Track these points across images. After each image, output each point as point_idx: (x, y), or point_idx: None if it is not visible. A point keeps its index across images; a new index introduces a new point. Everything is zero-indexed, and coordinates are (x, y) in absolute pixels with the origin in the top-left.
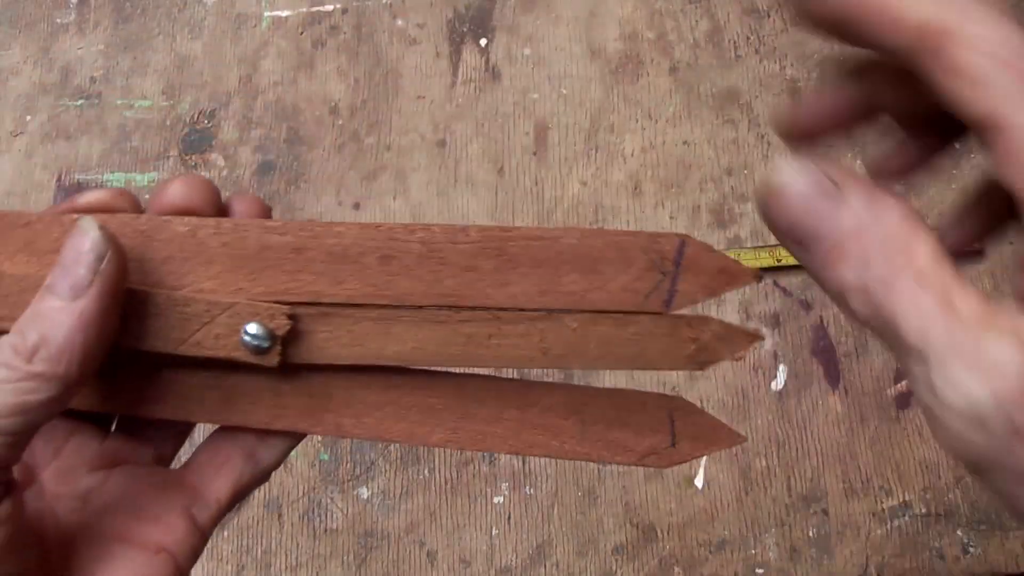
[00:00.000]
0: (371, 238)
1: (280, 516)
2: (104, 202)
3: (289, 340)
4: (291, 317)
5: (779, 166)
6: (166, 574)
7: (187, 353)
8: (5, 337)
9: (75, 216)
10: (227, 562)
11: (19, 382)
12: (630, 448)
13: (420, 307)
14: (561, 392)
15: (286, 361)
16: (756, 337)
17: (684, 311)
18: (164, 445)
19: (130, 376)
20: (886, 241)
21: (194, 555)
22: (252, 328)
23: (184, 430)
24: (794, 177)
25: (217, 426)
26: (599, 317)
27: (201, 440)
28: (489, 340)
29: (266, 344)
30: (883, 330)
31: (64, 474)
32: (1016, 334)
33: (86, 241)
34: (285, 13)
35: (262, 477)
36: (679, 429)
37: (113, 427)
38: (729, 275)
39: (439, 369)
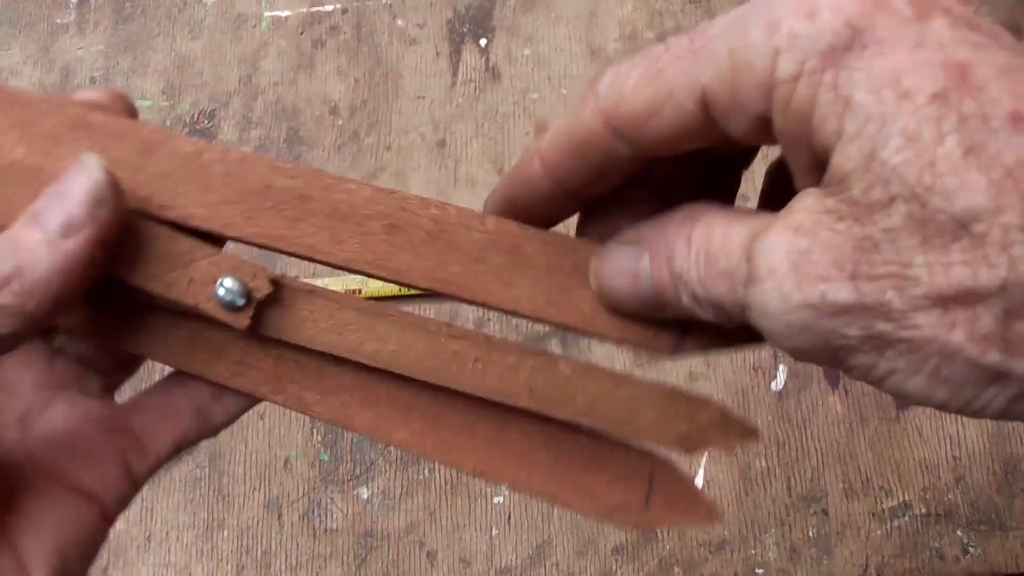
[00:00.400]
0: (381, 203)
1: (280, 516)
2: (101, 103)
3: (265, 306)
4: (274, 283)
5: (590, 269)
6: (90, 520)
7: (156, 291)
8: None
9: (77, 110)
10: (227, 562)
11: None
12: (599, 497)
13: (420, 290)
14: (542, 419)
15: (256, 327)
16: (754, 434)
17: (685, 389)
18: (114, 375)
19: (92, 294)
20: (683, 255)
21: (122, 505)
22: (229, 282)
23: (135, 362)
24: (602, 269)
25: (171, 370)
26: (594, 369)
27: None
28: (474, 364)
29: (240, 302)
30: (735, 319)
31: (6, 386)
32: (780, 230)
33: (88, 181)
34: (285, 13)
35: (209, 435)
36: (657, 489)
37: (57, 341)
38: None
39: None
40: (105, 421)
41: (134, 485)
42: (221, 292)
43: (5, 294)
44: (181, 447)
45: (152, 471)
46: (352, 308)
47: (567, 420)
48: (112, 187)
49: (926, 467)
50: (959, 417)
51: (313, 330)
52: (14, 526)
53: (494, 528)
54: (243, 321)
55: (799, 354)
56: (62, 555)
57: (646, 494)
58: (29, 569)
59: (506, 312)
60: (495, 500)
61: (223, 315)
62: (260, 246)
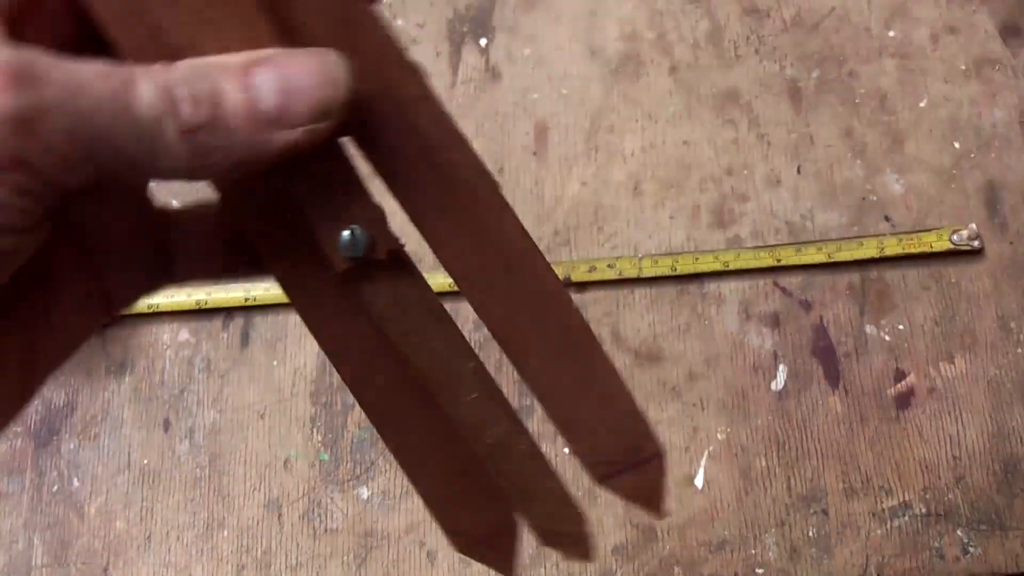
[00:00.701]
0: (518, 245)
1: (280, 516)
2: None
3: (371, 268)
4: (391, 253)
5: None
6: (95, 324)
7: (294, 198)
8: (174, 78)
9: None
10: (227, 562)
11: (156, 136)
12: (455, 518)
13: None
14: (470, 452)
15: (347, 281)
16: (590, 558)
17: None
18: None
19: None
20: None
21: (122, 312)
22: (360, 233)
23: None
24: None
25: (217, 200)
26: (539, 458)
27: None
28: (473, 398)
29: (355, 254)
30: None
31: None
32: None
33: (328, 89)
34: None
35: (220, 282)
36: (494, 536)
37: None
38: (645, 505)
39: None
40: (147, 222)
41: (144, 295)
42: (346, 235)
43: (185, 141)
44: (199, 282)
45: (163, 289)
46: (422, 301)
47: (487, 469)
48: (345, 106)
49: (926, 467)
50: (959, 417)
51: (381, 302)
52: (34, 321)
53: None
54: (341, 265)
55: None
56: (62, 358)
57: (484, 536)
58: (36, 371)
59: (527, 385)
60: None
61: (331, 251)
62: (397, 201)
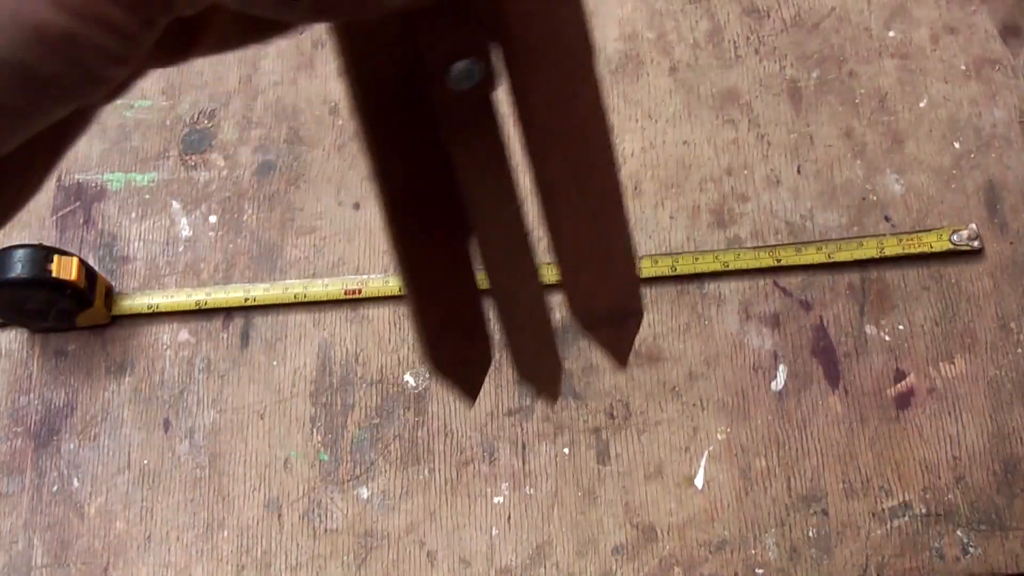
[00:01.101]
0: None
1: (280, 516)
2: None
3: (468, 101)
4: (483, 91)
5: None
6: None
7: (416, 28)
8: None
9: None
10: (227, 562)
11: None
12: (439, 346)
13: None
14: (475, 289)
15: (438, 106)
16: (551, 397)
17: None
18: None
19: None
20: None
21: (159, 66)
22: (480, 68)
23: None
24: None
25: None
26: (545, 305)
27: None
28: (505, 233)
29: (461, 84)
30: None
31: None
32: None
33: None
34: None
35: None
36: (463, 369)
37: None
38: (614, 356)
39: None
40: None
41: (166, 65)
42: (463, 65)
43: None
44: (221, 52)
45: (184, 62)
46: (494, 143)
47: (484, 308)
48: None
49: (926, 467)
50: (959, 417)
51: (459, 133)
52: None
53: (494, 528)
54: (445, 95)
55: None
56: (86, 123)
57: (459, 365)
58: (66, 135)
59: (546, 228)
60: (495, 500)
61: (438, 76)
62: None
